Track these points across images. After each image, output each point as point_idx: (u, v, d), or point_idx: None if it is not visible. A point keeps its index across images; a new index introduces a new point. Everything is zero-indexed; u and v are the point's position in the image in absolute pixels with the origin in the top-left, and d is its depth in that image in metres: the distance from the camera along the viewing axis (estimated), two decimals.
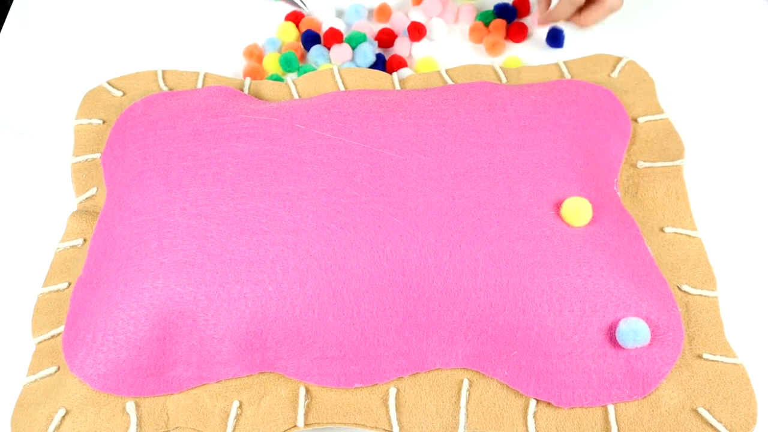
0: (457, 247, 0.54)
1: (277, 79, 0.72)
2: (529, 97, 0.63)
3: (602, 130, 0.63)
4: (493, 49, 0.73)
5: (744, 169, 0.65)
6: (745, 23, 0.75)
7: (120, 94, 0.70)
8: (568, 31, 0.75)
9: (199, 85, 0.71)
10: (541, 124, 0.61)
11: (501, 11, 0.76)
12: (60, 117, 0.70)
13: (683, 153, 0.64)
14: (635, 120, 0.66)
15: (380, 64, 0.73)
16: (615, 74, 0.69)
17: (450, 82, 0.69)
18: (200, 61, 0.74)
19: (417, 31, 0.74)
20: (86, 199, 0.64)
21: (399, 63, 0.73)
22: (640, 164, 0.64)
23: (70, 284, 0.60)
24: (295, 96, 0.69)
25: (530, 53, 0.74)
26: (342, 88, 0.69)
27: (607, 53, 0.71)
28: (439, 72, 0.70)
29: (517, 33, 0.75)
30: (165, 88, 0.70)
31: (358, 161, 0.58)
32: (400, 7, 0.79)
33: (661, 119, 0.66)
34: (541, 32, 0.76)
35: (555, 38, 0.74)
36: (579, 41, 0.74)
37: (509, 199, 0.56)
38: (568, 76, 0.69)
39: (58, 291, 0.60)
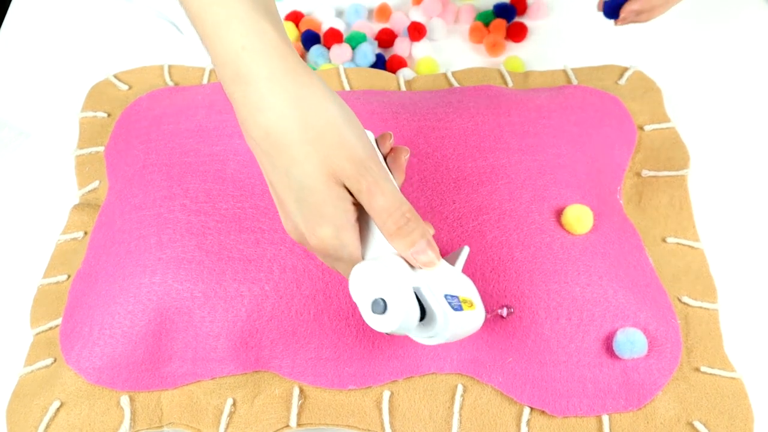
0: (455, 250, 0.54)
1: None
2: (534, 102, 0.63)
3: (607, 137, 0.63)
4: (493, 49, 0.73)
5: (750, 181, 0.64)
6: (754, 34, 0.75)
7: (126, 87, 0.71)
8: (574, 38, 0.74)
9: (205, 80, 0.71)
10: (545, 129, 0.60)
11: (500, 11, 0.76)
12: (60, 114, 0.71)
13: (688, 163, 0.64)
14: (641, 128, 0.66)
15: (380, 64, 0.72)
16: (622, 82, 0.69)
17: (456, 84, 0.69)
18: (206, 57, 0.73)
19: (417, 31, 0.74)
20: (88, 192, 0.65)
21: (399, 63, 0.72)
22: (645, 173, 0.63)
23: (69, 276, 0.60)
24: None
25: (530, 53, 0.74)
26: (347, 88, 0.68)
27: (614, 63, 0.70)
28: (445, 74, 0.70)
29: (516, 33, 0.74)
30: (171, 83, 0.70)
31: None
32: (400, 7, 0.79)
33: (667, 128, 0.66)
34: (539, 32, 0.75)
35: (615, 7, 0.64)
36: (584, 49, 0.74)
37: (510, 204, 0.56)
38: (575, 82, 0.69)
39: (57, 283, 0.60)
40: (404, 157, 0.45)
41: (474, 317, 0.45)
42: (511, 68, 0.72)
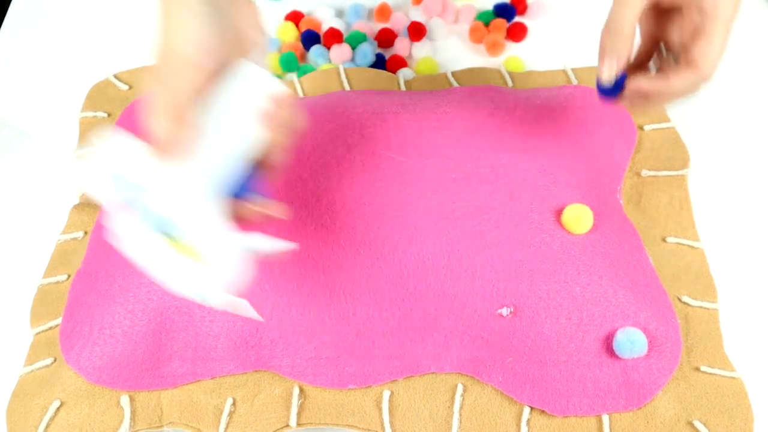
0: (455, 251, 0.54)
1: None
2: (534, 102, 0.63)
3: (607, 136, 0.63)
4: (493, 49, 0.73)
5: (750, 181, 0.64)
6: (754, 34, 0.75)
7: (126, 87, 0.71)
8: (574, 38, 0.74)
9: None
10: (545, 129, 0.60)
11: (500, 11, 0.76)
12: (60, 114, 0.71)
13: (688, 162, 0.64)
14: (641, 128, 0.66)
15: (380, 64, 0.73)
16: None
17: (456, 84, 0.69)
18: None
19: (417, 31, 0.74)
20: None
21: (399, 63, 0.72)
22: (645, 173, 0.63)
23: (69, 276, 0.60)
24: (300, 95, 0.69)
25: (530, 53, 0.74)
26: (347, 88, 0.68)
27: None
28: (445, 74, 0.70)
29: (516, 33, 0.74)
30: None
31: (359, 162, 0.58)
32: (400, 7, 0.79)
33: (667, 128, 0.66)
34: (538, 31, 0.75)
35: (616, 85, 0.53)
36: (584, 49, 0.74)
37: (510, 204, 0.56)
38: (575, 82, 0.69)
39: (57, 282, 0.60)
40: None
41: (184, 267, 0.38)
42: (511, 68, 0.72)
